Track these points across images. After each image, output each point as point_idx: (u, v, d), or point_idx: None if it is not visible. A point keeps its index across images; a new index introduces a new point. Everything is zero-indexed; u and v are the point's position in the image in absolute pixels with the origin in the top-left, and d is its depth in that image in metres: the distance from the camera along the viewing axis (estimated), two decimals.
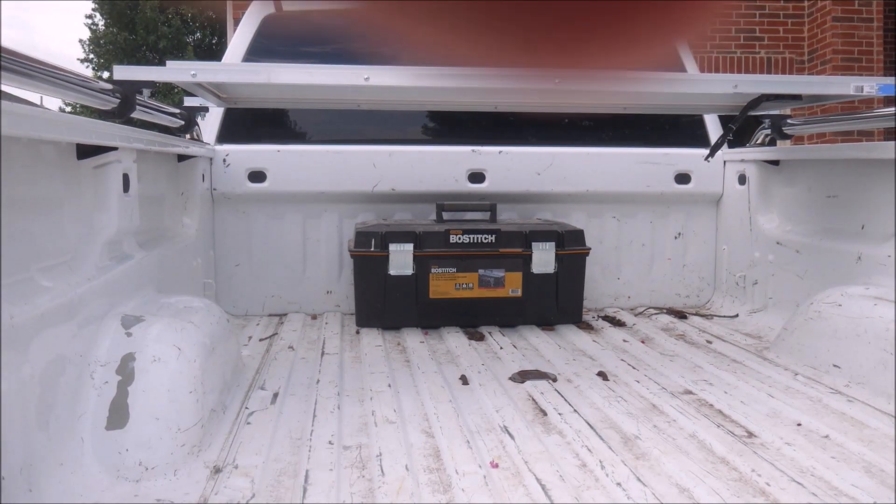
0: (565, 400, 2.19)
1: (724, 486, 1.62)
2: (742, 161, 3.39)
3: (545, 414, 2.07)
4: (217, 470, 1.69)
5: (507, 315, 3.14)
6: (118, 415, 1.67)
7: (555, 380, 2.39)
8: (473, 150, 3.38)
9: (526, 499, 1.56)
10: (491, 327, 3.11)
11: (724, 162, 3.52)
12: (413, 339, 2.92)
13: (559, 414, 2.06)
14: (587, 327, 3.15)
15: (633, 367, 2.52)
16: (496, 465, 1.72)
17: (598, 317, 3.34)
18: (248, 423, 1.97)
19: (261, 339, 2.90)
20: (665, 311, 3.46)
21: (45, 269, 1.61)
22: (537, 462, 1.73)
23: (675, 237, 3.57)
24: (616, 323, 3.23)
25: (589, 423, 1.99)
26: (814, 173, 3.01)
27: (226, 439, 1.86)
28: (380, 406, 2.12)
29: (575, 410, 2.09)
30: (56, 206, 1.72)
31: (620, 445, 1.85)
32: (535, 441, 1.87)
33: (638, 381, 2.36)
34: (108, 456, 1.62)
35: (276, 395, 2.20)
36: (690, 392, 2.27)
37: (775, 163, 3.22)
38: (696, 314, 3.40)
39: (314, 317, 3.33)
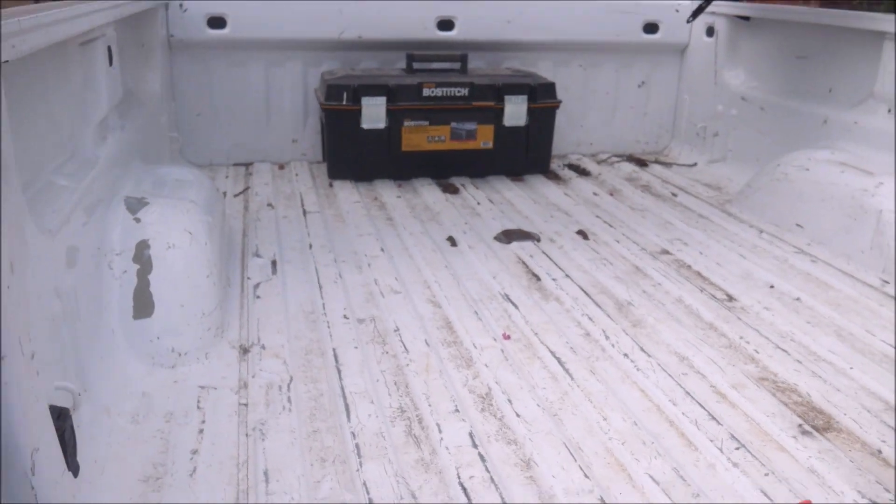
0: (554, 263, 2.30)
1: (718, 354, 1.78)
2: (712, 14, 3.38)
3: (539, 279, 2.18)
4: (244, 350, 1.74)
5: (478, 167, 3.18)
6: (143, 304, 1.68)
7: (538, 240, 2.49)
8: None
9: (544, 372, 1.69)
10: (462, 178, 3.15)
11: (693, 12, 3.50)
12: (388, 192, 2.95)
13: (553, 279, 2.17)
14: (555, 177, 3.23)
15: (610, 225, 2.63)
16: (508, 337, 1.84)
17: (564, 165, 3.41)
18: (258, 298, 2.01)
19: (235, 195, 2.87)
20: (626, 158, 3.55)
21: (58, 169, 1.56)
22: (545, 333, 1.85)
23: (639, 86, 3.61)
24: (581, 172, 3.32)
25: (583, 289, 2.11)
26: (784, 33, 3.04)
27: (241, 316, 1.90)
28: (379, 274, 2.18)
29: (567, 275, 2.20)
30: (52, 96, 1.63)
31: (616, 312, 1.98)
32: (538, 310, 1.98)
33: (618, 241, 2.48)
34: (142, 344, 1.65)
35: (274, 264, 2.22)
36: (668, 252, 2.41)
37: (746, 18, 3.22)
38: (656, 161, 3.51)
39: (281, 166, 3.29)
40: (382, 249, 2.36)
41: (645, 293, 2.10)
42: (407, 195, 2.94)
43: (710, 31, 3.41)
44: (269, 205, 2.77)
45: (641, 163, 3.48)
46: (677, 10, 3.46)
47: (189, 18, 3.05)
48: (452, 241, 2.45)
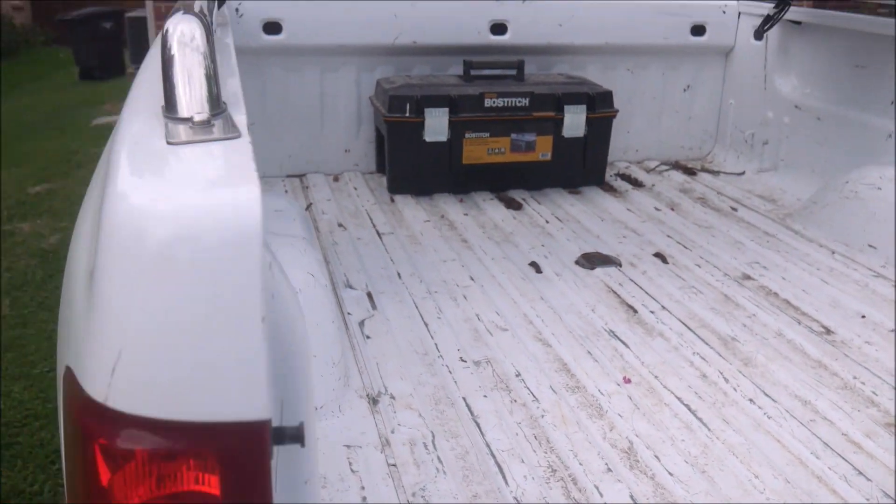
0: (644, 291, 2.30)
1: (838, 396, 1.81)
2: (762, 16, 3.37)
3: (635, 311, 2.19)
4: (374, 401, 1.73)
5: (535, 179, 3.16)
6: None
7: (620, 265, 2.49)
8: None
9: (677, 421, 1.70)
10: (521, 191, 3.14)
11: (739, 14, 3.49)
12: (453, 209, 2.93)
13: (651, 312, 2.18)
14: (611, 189, 3.23)
15: (684, 246, 2.64)
16: (629, 381, 1.85)
17: (615, 175, 3.41)
18: (368, 338, 1.99)
19: None
20: (673, 165, 3.56)
21: None
22: (664, 375, 1.87)
23: (685, 89, 3.60)
24: (634, 183, 3.32)
25: (683, 323, 2.12)
26: (839, 40, 3.05)
27: (357, 360, 1.89)
28: (478, 307, 2.17)
29: (663, 307, 2.21)
30: None
31: (723, 349, 2.00)
32: (647, 349, 1.99)
33: (698, 266, 2.49)
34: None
35: (370, 297, 2.20)
36: (750, 277, 2.42)
37: (797, 23, 3.22)
38: (703, 169, 3.52)
39: (336, 178, 3.25)
40: (472, 278, 2.35)
41: (745, 327, 2.12)
42: (472, 212, 2.92)
43: (759, 35, 3.40)
44: (340, 225, 2.73)
45: (689, 171, 3.49)
46: (724, 12, 3.46)
47: (244, 24, 2.98)
48: (537, 268, 2.44)
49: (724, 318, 2.16)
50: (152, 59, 1.45)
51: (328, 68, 3.19)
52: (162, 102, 1.01)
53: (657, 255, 2.57)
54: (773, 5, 3.17)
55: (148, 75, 1.34)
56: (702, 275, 2.43)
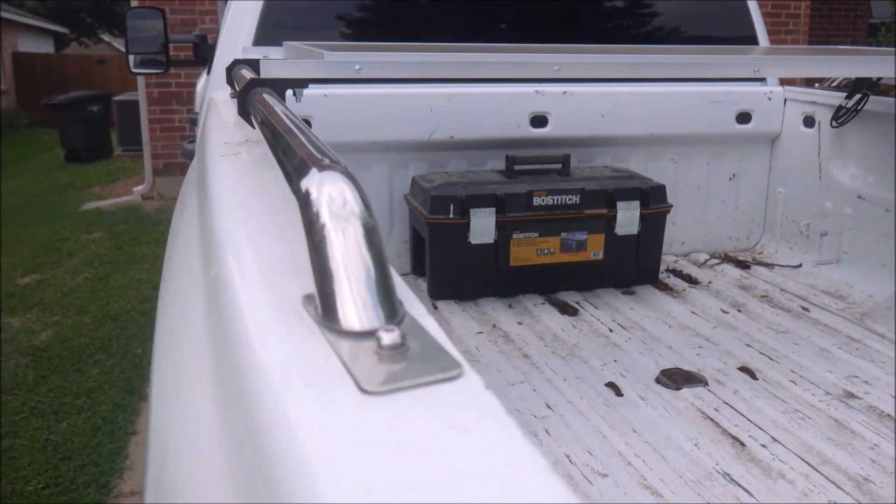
0: (745, 418, 2.04)
1: None
2: (812, 103, 3.21)
3: (743, 445, 1.92)
4: None
5: (586, 279, 2.93)
6: None
7: (706, 383, 2.23)
8: (537, 91, 3.02)
9: None
10: (571, 293, 2.90)
11: (785, 100, 3.33)
12: (504, 317, 2.67)
13: (761, 446, 1.91)
14: (666, 288, 2.99)
15: (770, 358, 2.40)
16: None
17: (666, 270, 3.18)
18: None
19: None
20: (722, 258, 3.34)
21: None
22: None
23: (730, 178, 3.41)
24: (688, 280, 3.09)
25: (802, 459, 1.86)
26: None
27: None
28: (566, 445, 1.89)
29: (773, 439, 1.95)
30: None
31: (859, 493, 1.73)
32: (773, 496, 1.72)
33: (793, 382, 2.24)
34: None
35: None
36: (854, 396, 2.17)
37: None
38: (755, 262, 3.31)
39: None
40: (549, 406, 2.08)
41: (873, 462, 1.86)
42: (525, 320, 2.66)
43: (810, 122, 3.23)
44: None
45: (742, 264, 3.28)
46: (769, 98, 3.30)
47: None
48: (616, 390, 2.18)
49: (846, 451, 1.90)
50: (227, 203, 1.17)
51: (359, 165, 2.96)
52: (297, 293, 0.73)
53: (743, 369, 2.32)
54: (844, 95, 2.99)
55: (230, 226, 1.05)
56: (800, 394, 2.18)
